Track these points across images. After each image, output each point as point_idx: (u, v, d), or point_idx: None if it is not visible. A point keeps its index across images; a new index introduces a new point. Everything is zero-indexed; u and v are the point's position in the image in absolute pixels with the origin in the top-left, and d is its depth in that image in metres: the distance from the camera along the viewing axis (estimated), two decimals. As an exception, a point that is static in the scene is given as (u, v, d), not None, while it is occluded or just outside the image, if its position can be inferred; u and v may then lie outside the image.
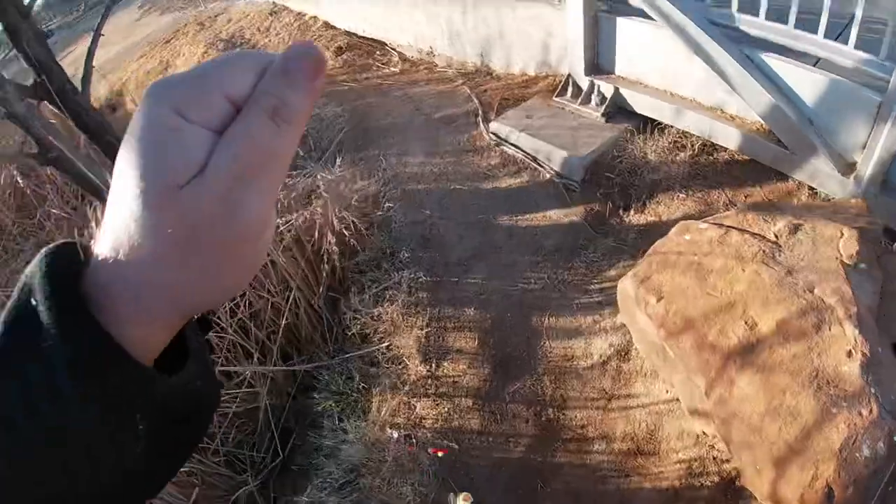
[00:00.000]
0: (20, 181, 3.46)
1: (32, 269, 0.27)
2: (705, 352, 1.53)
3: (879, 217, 2.01)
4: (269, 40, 5.21)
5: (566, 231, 2.80)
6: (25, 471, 0.25)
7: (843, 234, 1.70)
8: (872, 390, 1.32)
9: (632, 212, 2.69)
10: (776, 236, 1.73)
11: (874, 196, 2.16)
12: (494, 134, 3.36)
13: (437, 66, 4.13)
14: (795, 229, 1.75)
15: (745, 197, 2.47)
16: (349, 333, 2.63)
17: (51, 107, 2.84)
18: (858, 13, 2.06)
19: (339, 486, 2.10)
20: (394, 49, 4.46)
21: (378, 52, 4.51)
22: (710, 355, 1.52)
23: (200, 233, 0.26)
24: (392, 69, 4.27)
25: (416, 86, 4.00)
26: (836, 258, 1.62)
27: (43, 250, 0.27)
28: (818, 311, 1.48)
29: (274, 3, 5.75)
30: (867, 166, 2.17)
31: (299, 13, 5.42)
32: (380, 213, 3.01)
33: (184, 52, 5.90)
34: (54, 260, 0.27)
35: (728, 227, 1.79)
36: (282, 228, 2.51)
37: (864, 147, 2.20)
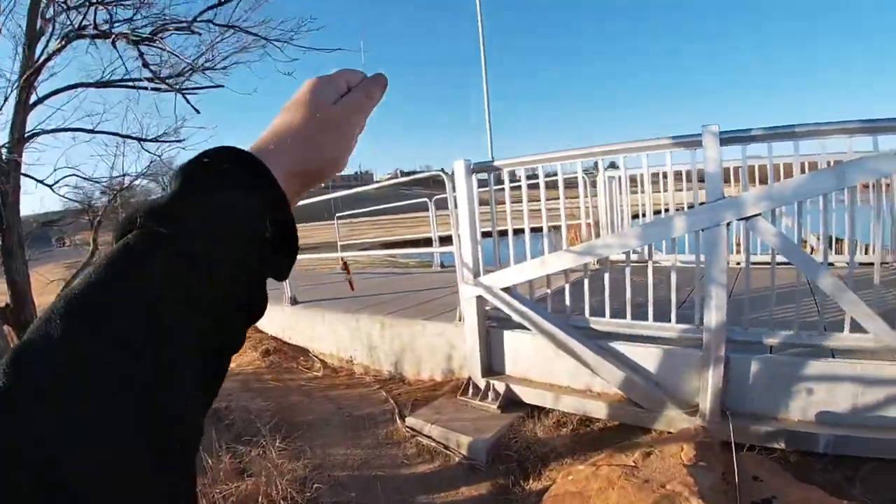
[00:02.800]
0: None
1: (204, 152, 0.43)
2: (592, 551, 2.07)
3: (722, 437, 2.75)
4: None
5: (476, 503, 3.30)
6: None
7: (683, 448, 2.50)
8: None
9: (531, 481, 3.31)
10: (634, 462, 2.47)
11: (717, 424, 2.91)
12: (410, 428, 4.03)
13: (355, 373, 4.98)
14: (648, 454, 2.52)
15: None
16: None
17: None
18: (673, 298, 3.27)
19: None
20: (316, 356, 5.33)
21: (302, 358, 5.35)
22: (595, 553, 2.06)
23: (326, 124, 0.51)
24: (314, 373, 5.05)
25: (337, 389, 4.74)
26: (679, 463, 2.38)
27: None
28: (670, 497, 2.16)
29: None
30: (706, 403, 3.02)
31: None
32: (308, 493, 3.38)
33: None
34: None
35: (599, 464, 2.51)
36: (230, 494, 2.85)
37: (699, 391, 3.07)
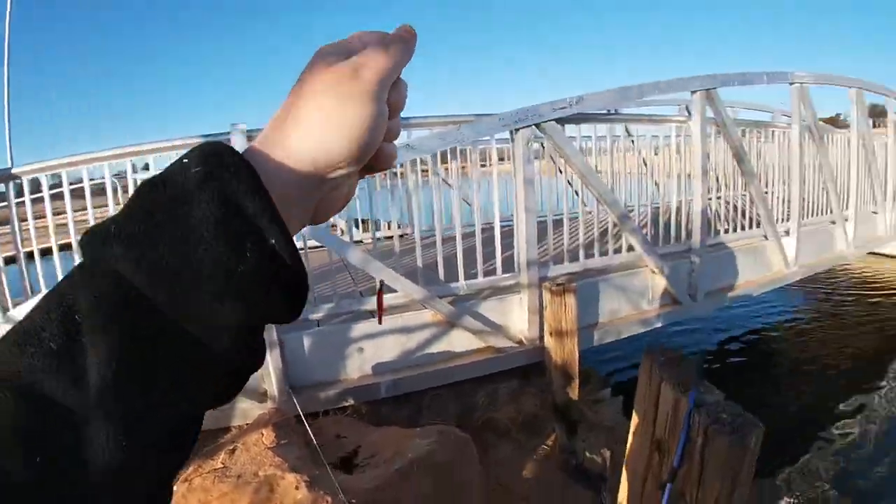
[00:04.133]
0: None
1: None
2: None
3: (295, 412, 2.92)
4: None
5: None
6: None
7: (263, 434, 2.62)
8: (322, 493, 2.17)
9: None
10: (223, 463, 2.53)
11: (287, 402, 3.06)
12: None
13: None
14: (233, 451, 2.59)
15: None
16: None
17: None
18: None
19: None
20: None
21: None
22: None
23: (329, 89, 0.36)
24: None
25: None
26: (264, 448, 2.55)
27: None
28: (267, 481, 2.33)
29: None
30: (272, 386, 3.09)
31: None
32: None
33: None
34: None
35: (191, 478, 2.39)
36: None
37: (263, 377, 3.10)
